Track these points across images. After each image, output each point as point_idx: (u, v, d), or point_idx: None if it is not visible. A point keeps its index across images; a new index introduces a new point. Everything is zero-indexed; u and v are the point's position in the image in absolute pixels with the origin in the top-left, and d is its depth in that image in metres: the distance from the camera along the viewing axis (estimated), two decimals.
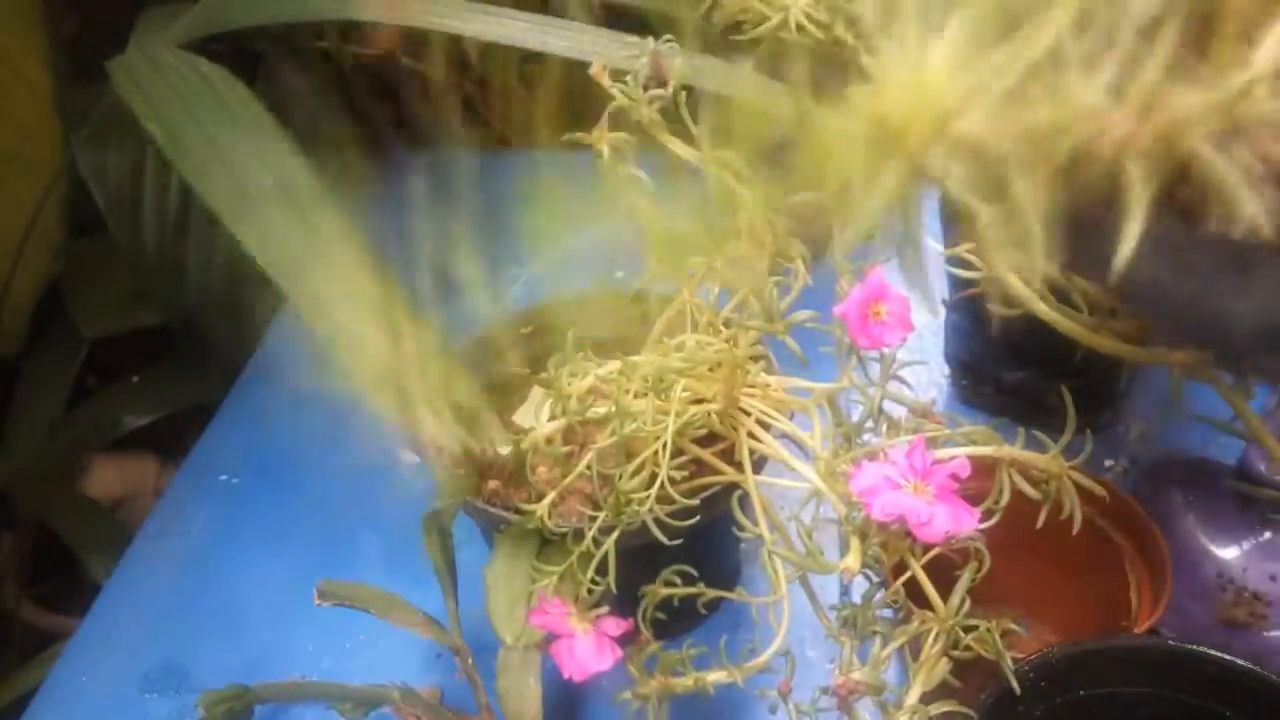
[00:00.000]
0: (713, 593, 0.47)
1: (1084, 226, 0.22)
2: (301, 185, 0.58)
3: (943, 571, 0.44)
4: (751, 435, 0.49)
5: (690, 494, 0.47)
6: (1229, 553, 0.56)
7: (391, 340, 0.53)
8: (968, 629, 0.43)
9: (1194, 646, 0.45)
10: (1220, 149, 0.20)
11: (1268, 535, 0.56)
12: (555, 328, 0.65)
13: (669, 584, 0.47)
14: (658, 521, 0.46)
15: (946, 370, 0.76)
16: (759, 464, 0.50)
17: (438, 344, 0.54)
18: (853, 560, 0.41)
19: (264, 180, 0.58)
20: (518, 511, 0.51)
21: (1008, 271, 0.26)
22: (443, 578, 0.53)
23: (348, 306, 0.53)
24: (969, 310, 0.71)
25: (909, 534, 0.40)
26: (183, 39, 0.75)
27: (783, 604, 0.44)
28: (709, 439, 0.50)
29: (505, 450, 0.52)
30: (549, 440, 0.49)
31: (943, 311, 0.74)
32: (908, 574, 0.44)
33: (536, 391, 0.61)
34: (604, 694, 0.56)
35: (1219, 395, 0.43)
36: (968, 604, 0.44)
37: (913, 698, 0.43)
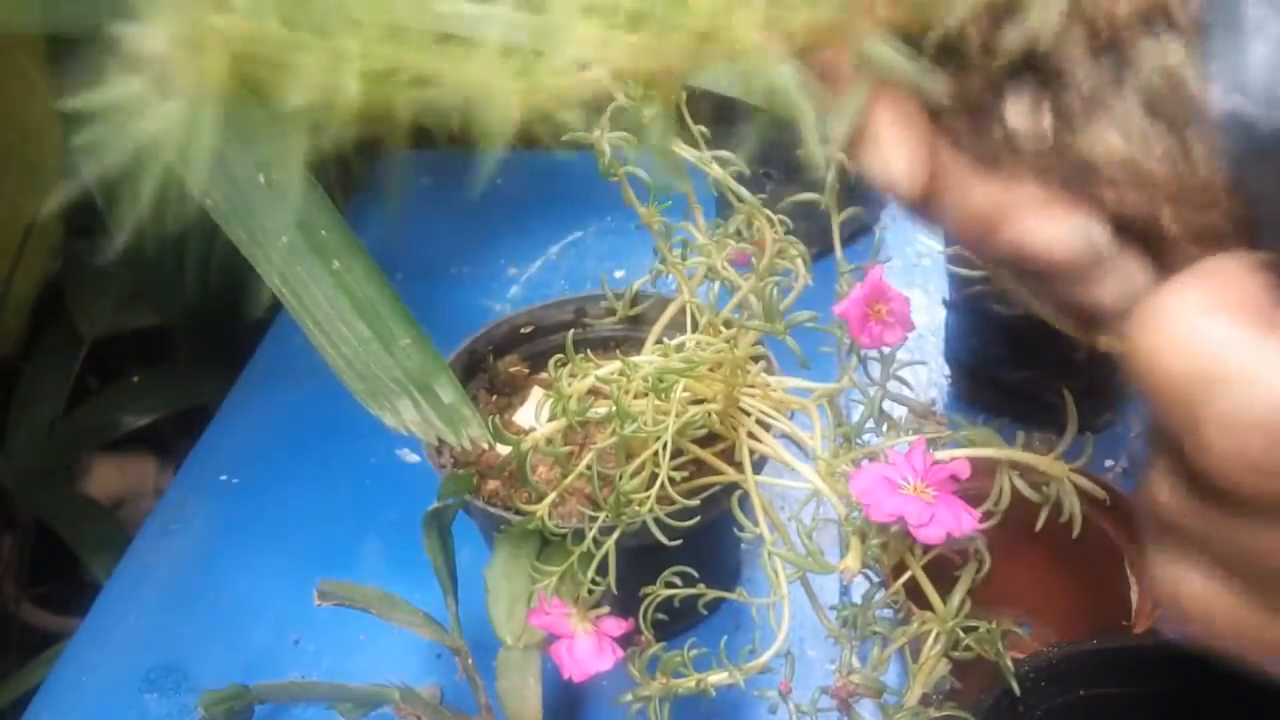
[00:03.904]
0: (713, 593, 0.47)
1: None
2: (297, 187, 0.58)
3: (943, 572, 0.44)
4: (751, 435, 0.49)
5: (690, 494, 0.47)
6: None
7: (386, 341, 0.53)
8: (968, 629, 0.43)
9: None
10: None
11: None
12: (555, 327, 0.65)
13: (669, 584, 0.47)
14: (658, 522, 0.46)
15: (946, 370, 0.76)
16: (759, 464, 0.50)
17: (432, 345, 0.54)
18: (853, 560, 0.41)
19: (258, 181, 0.58)
20: (518, 512, 0.51)
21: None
22: (443, 578, 0.53)
23: (343, 308, 0.53)
24: (969, 310, 0.71)
25: (909, 535, 0.40)
26: None
27: (783, 604, 0.44)
28: (709, 439, 0.50)
29: (503, 450, 0.52)
30: (549, 440, 0.49)
31: (943, 310, 0.74)
32: (908, 574, 0.44)
33: (536, 391, 0.61)
34: (604, 694, 0.56)
35: None
36: (968, 604, 0.43)
37: (913, 698, 0.43)
